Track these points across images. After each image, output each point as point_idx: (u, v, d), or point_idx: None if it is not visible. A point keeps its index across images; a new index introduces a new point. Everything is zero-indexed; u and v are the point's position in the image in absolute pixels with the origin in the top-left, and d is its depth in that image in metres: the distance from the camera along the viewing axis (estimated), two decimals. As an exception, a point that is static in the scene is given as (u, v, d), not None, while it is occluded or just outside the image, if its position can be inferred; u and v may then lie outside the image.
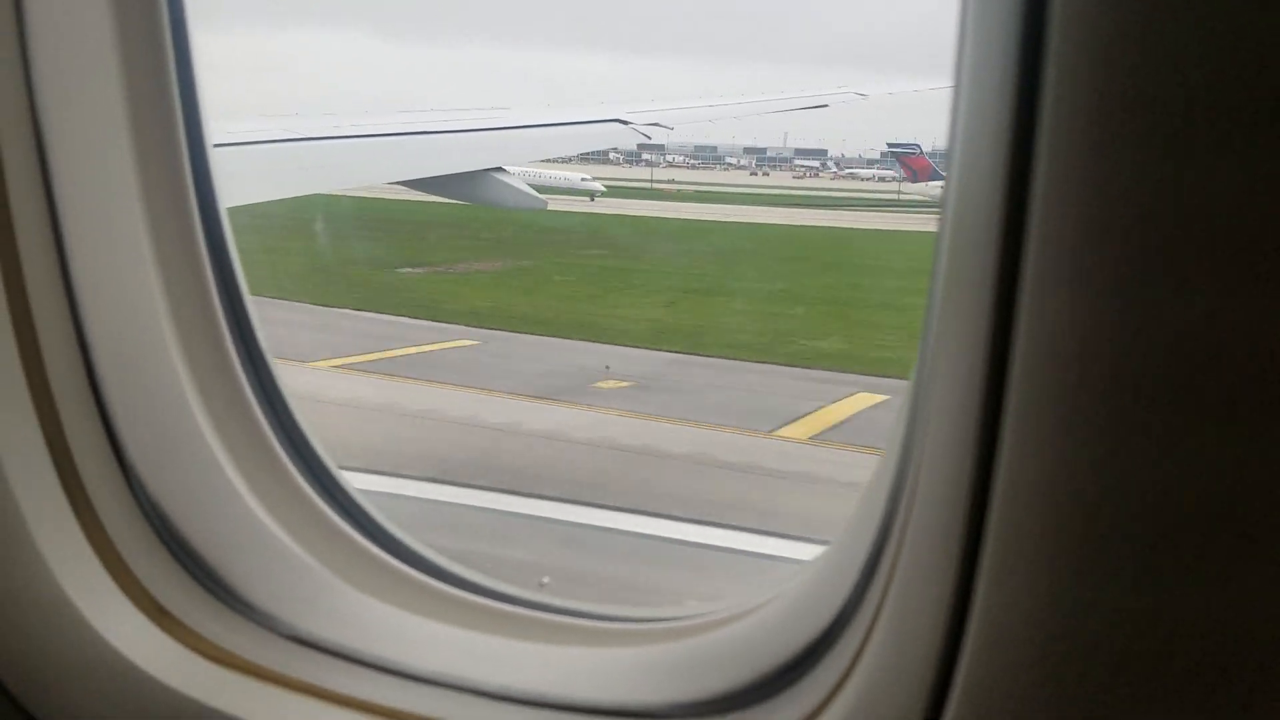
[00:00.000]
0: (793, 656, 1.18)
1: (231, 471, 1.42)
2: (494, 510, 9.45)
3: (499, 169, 11.33)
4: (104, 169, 1.35)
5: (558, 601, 1.47)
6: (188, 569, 1.41)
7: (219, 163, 1.45)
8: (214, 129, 1.46)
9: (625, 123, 14.20)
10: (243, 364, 1.46)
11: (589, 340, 17.48)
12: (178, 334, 1.39)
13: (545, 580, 7.39)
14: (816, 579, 1.20)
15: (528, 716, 1.30)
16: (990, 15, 0.86)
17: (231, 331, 1.44)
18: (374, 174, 10.75)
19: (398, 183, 10.29)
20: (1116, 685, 0.86)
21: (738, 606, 1.31)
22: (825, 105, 16.46)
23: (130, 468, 1.39)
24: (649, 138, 14.65)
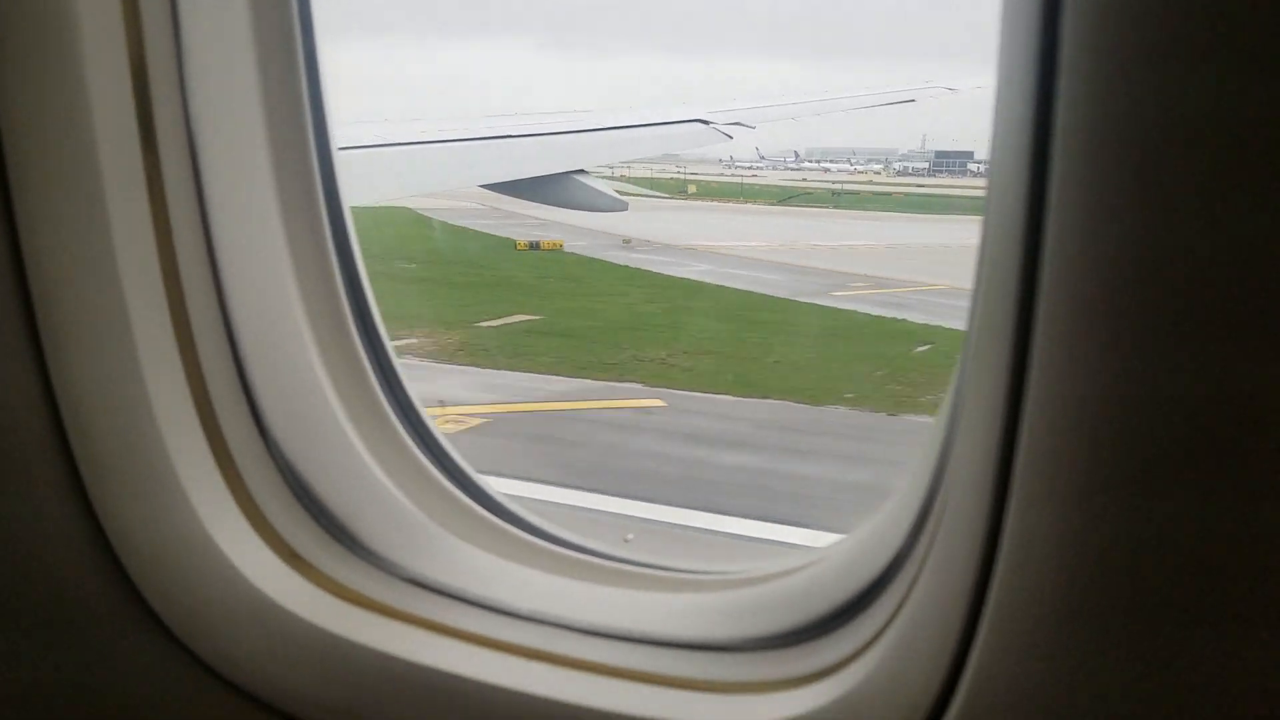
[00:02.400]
0: (851, 597, 1.36)
1: (354, 438, 1.64)
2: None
3: (580, 171, 11.12)
4: (245, 166, 1.52)
5: (636, 556, 1.64)
6: (318, 521, 1.63)
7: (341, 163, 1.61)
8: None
9: (706, 122, 13.91)
10: (363, 345, 1.66)
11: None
12: (309, 318, 1.60)
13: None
14: (872, 533, 1.38)
15: (617, 649, 1.47)
16: (1010, 36, 0.94)
17: (354, 315, 1.65)
18: (452, 179, 10.64)
19: (484, 186, 10.14)
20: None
21: (803, 558, 1.48)
22: (912, 100, 15.90)
23: (269, 434, 1.61)
24: (730, 137, 14.33)
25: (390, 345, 1.71)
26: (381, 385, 1.68)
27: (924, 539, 1.24)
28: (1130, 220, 0.87)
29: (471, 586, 1.59)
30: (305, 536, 1.61)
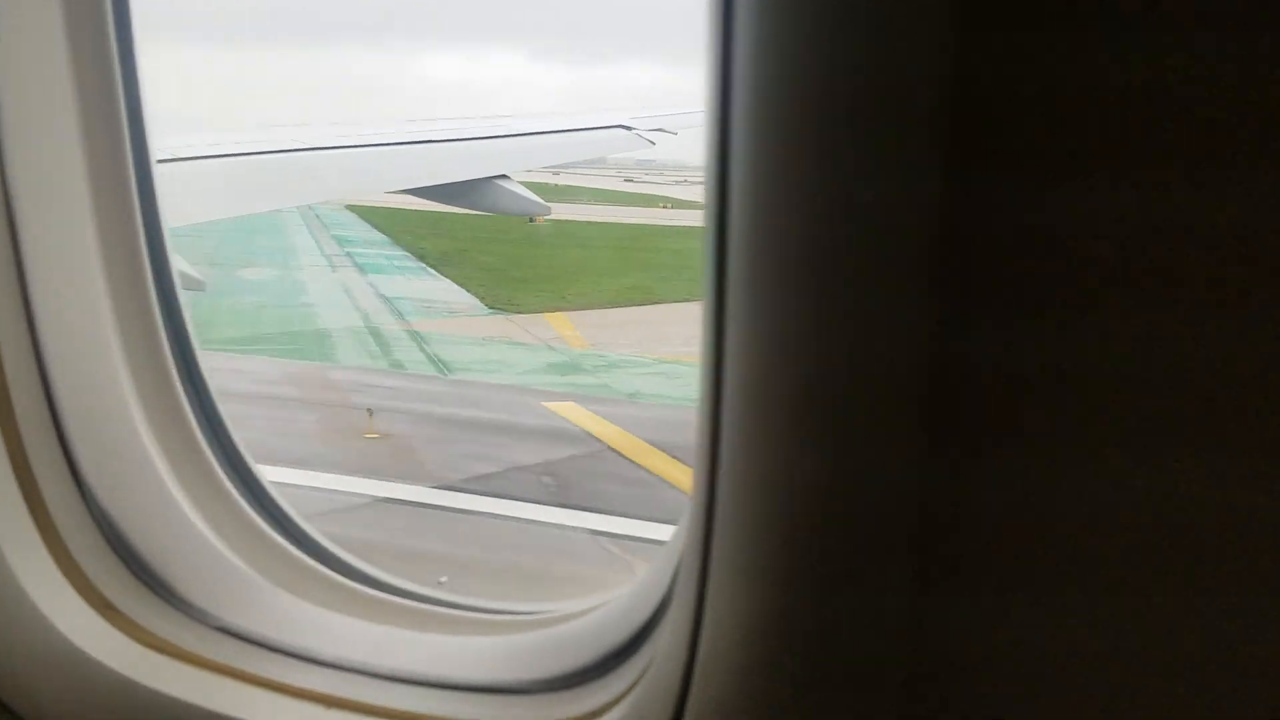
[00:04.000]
0: (622, 642, 1.43)
1: (172, 484, 1.64)
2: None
3: (503, 176, 11.08)
4: (58, 191, 1.50)
5: (447, 596, 1.70)
6: (133, 570, 1.63)
7: (165, 179, 1.59)
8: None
9: (629, 128, 13.95)
10: (184, 385, 1.66)
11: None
12: (126, 361, 1.59)
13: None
14: (645, 582, 1.43)
15: (412, 694, 1.53)
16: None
17: (174, 354, 1.64)
18: (369, 183, 10.49)
19: (404, 191, 10.02)
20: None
21: (586, 603, 1.55)
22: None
23: (84, 482, 1.60)
24: (653, 143, 14.41)
25: (213, 389, 1.72)
26: (202, 428, 1.70)
27: (681, 584, 1.32)
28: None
29: (281, 635, 1.62)
30: (120, 587, 1.62)
